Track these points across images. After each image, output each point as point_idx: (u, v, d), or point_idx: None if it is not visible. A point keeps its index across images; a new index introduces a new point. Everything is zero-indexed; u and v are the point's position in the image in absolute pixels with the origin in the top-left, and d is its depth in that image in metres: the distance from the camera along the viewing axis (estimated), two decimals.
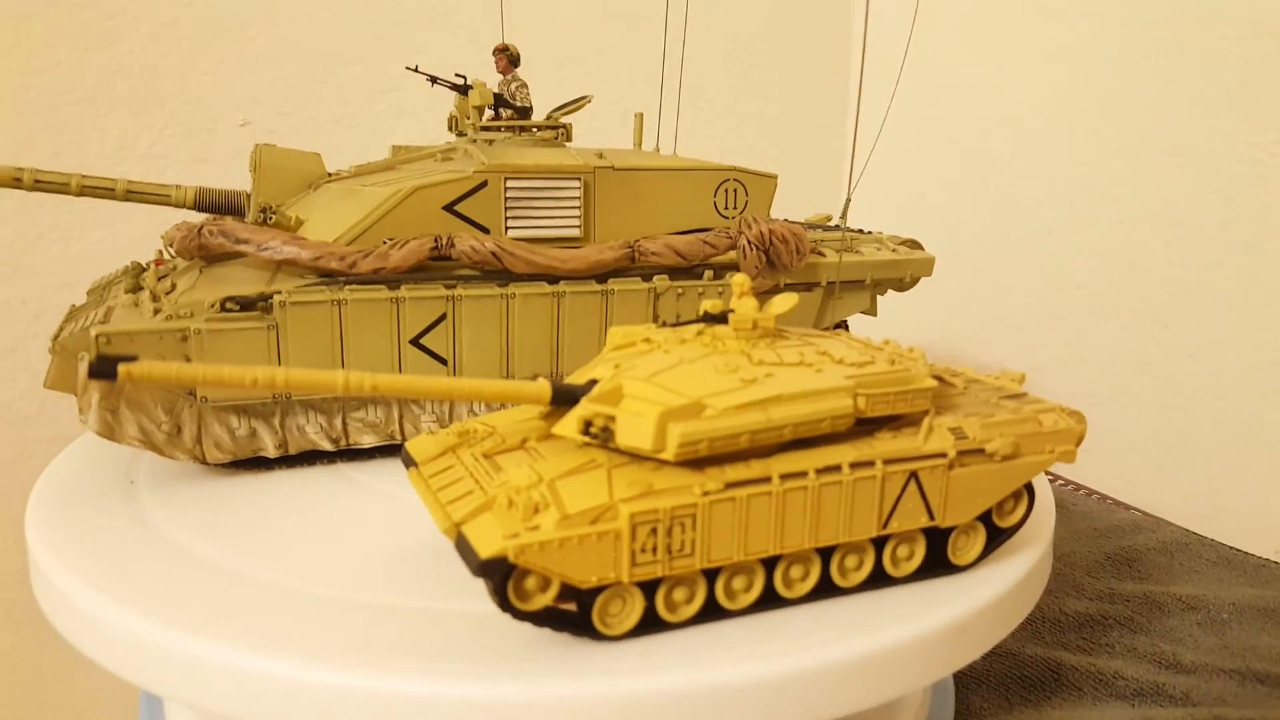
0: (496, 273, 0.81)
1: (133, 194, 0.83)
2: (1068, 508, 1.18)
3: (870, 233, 1.04)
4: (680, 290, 0.86)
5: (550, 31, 1.30)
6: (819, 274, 0.93)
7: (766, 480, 0.54)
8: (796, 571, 0.58)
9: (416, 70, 0.93)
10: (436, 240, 0.78)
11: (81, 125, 1.15)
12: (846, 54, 1.59)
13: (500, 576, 0.49)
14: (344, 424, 0.78)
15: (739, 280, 0.65)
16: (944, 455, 0.59)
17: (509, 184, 0.82)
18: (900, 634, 0.57)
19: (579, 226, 0.85)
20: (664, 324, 0.67)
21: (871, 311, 0.99)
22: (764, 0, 1.50)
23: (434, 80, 0.93)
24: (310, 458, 0.79)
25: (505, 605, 0.51)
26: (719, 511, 0.53)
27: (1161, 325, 1.26)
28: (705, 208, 0.91)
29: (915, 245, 1.04)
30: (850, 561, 0.59)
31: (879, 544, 0.60)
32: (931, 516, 0.60)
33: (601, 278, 0.84)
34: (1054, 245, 1.40)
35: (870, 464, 0.57)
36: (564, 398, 0.58)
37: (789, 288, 0.91)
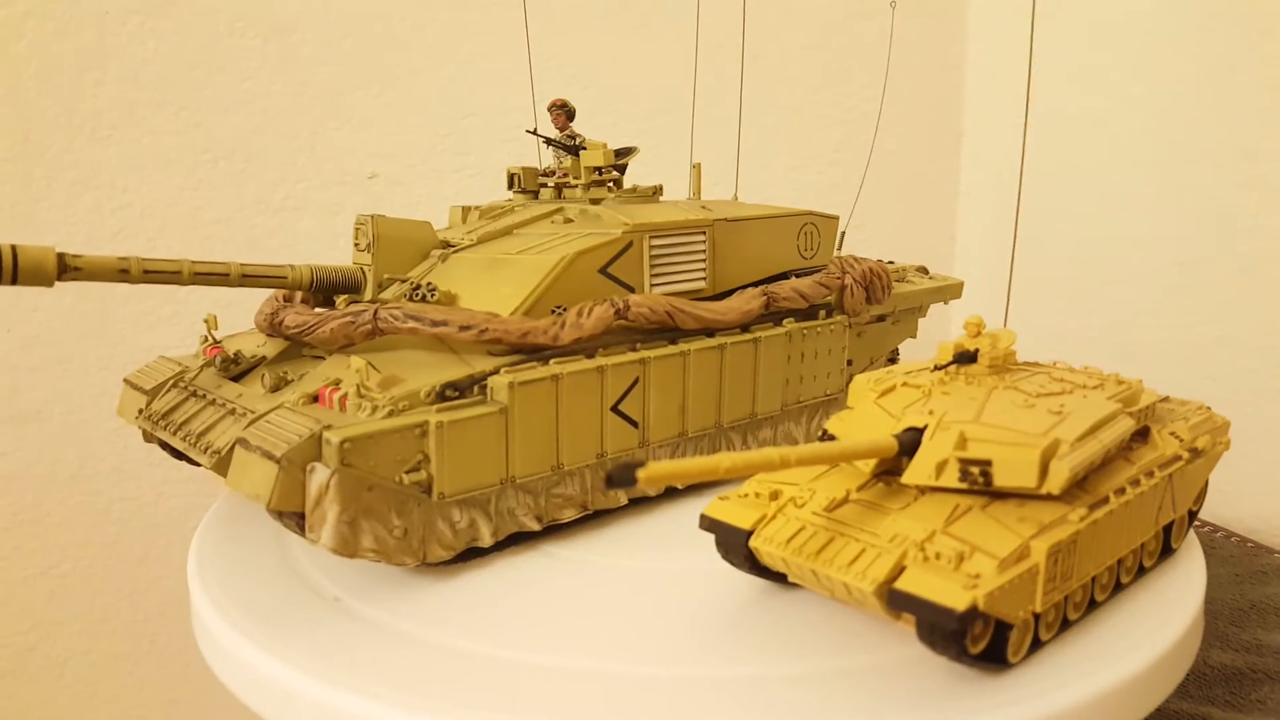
0: (661, 331, 0.81)
1: (248, 278, 0.75)
2: (1209, 552, 1.03)
3: (892, 263, 1.14)
4: (805, 331, 0.90)
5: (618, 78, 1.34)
6: (894, 304, 1.01)
7: (1106, 500, 0.61)
8: (1105, 577, 0.65)
9: (534, 133, 0.90)
10: (614, 304, 0.77)
11: (221, 181, 1.20)
12: (958, 91, 1.57)
13: (966, 626, 0.52)
14: (546, 501, 0.75)
15: (976, 321, 0.71)
16: (1180, 458, 0.69)
17: (653, 242, 0.83)
18: (1060, 700, 0.55)
19: (705, 278, 0.87)
20: (936, 367, 0.71)
21: (914, 334, 1.08)
22: (870, 35, 1.50)
23: (549, 142, 0.90)
24: (510, 542, 0.75)
25: (963, 653, 0.53)
26: (1086, 534, 0.59)
27: None
28: (790, 251, 0.95)
29: (924, 270, 1.15)
30: (1129, 561, 0.67)
31: None
32: (1175, 510, 0.70)
33: (745, 326, 0.86)
34: (1185, 279, 1.34)
35: (1151, 473, 0.66)
36: (907, 449, 0.61)
37: (878, 320, 0.99)
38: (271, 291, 0.87)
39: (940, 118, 1.56)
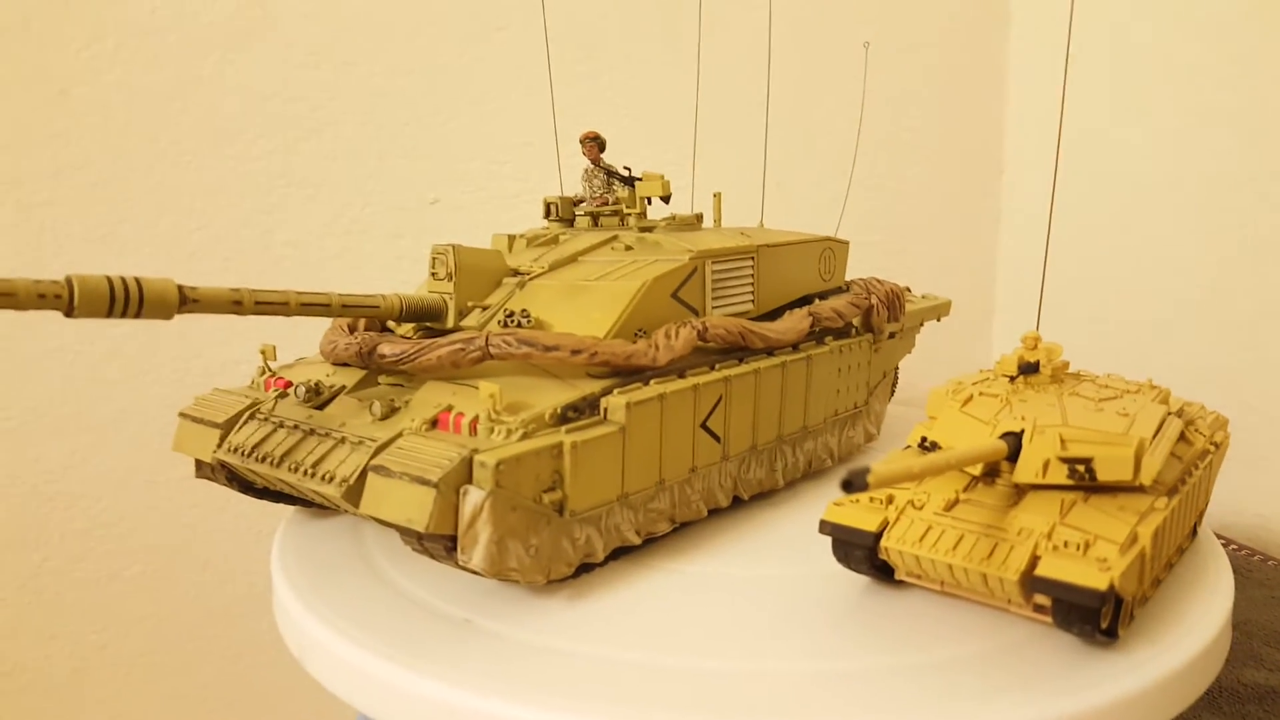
0: (731, 350, 0.86)
1: (347, 308, 0.75)
2: (1243, 574, 1.10)
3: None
4: (842, 349, 0.97)
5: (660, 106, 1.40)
6: (905, 321, 1.09)
7: (1176, 490, 0.70)
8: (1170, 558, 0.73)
9: (600, 166, 0.93)
10: (694, 327, 0.82)
11: (292, 205, 1.29)
12: (998, 122, 1.61)
13: (1104, 604, 0.59)
14: (644, 516, 0.78)
15: (1034, 335, 0.79)
16: (1209, 451, 0.79)
17: (714, 267, 0.88)
18: (1079, 704, 0.57)
19: (753, 300, 0.93)
20: (1010, 376, 0.78)
21: (911, 349, 1.17)
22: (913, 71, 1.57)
23: (609, 173, 0.94)
24: (612, 557, 0.78)
25: (1097, 627, 0.60)
26: (1167, 521, 0.67)
27: None
28: (813, 274, 1.02)
29: (907, 290, 1.24)
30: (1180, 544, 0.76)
31: None
32: (1206, 498, 0.79)
33: (795, 345, 0.92)
34: (1215, 302, 1.37)
35: (1197, 465, 0.75)
36: (1013, 452, 0.68)
37: (889, 336, 1.07)
38: (334, 320, 0.87)
39: (980, 148, 1.64)
